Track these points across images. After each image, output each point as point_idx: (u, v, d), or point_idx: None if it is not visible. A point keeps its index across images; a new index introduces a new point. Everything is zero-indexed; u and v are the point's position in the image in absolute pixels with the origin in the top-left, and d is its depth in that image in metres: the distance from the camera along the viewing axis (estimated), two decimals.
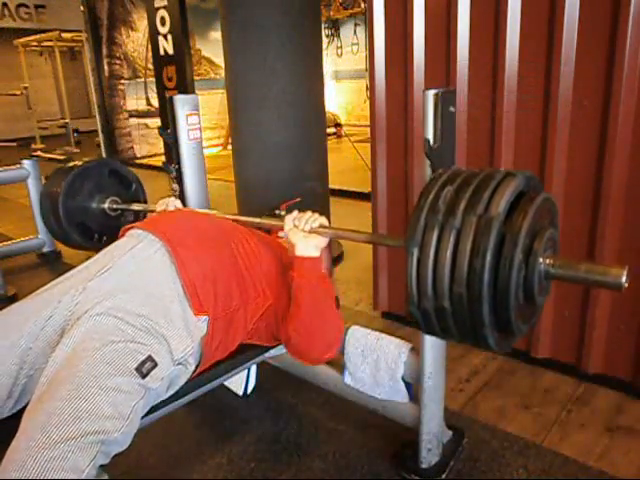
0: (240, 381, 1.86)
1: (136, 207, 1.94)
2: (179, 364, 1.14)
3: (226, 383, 1.89)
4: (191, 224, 1.39)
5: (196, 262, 1.23)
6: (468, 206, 0.82)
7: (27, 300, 1.19)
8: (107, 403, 0.94)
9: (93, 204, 1.92)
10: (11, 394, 1.09)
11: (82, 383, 0.94)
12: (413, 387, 1.51)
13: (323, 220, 1.28)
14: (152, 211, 1.75)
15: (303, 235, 1.26)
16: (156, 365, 1.06)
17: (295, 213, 1.31)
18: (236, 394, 1.88)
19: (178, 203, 1.67)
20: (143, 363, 1.03)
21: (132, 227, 1.35)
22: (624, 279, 0.79)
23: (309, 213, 1.29)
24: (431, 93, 1.18)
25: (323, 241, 1.28)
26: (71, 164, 1.95)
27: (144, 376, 1.03)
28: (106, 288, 1.14)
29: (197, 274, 1.21)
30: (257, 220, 1.47)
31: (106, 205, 1.94)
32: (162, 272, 1.20)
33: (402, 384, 1.50)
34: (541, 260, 0.84)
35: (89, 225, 1.92)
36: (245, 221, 1.48)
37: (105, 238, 1.93)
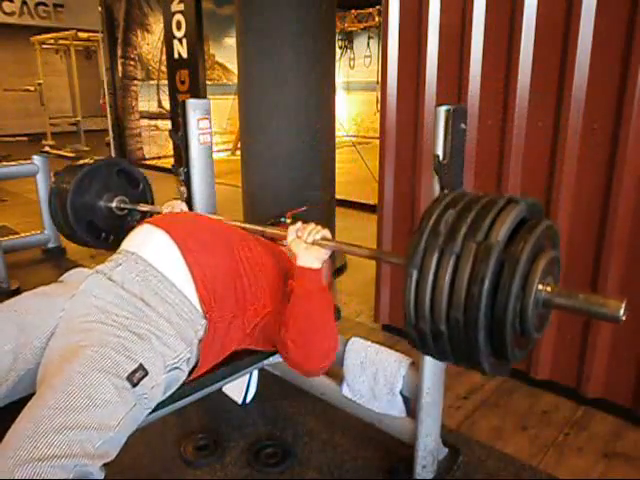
0: (240, 389, 1.86)
1: (143, 207, 1.95)
2: (172, 370, 1.13)
3: (226, 391, 1.89)
4: (195, 226, 1.39)
5: (199, 264, 1.23)
6: (469, 232, 0.82)
7: (40, 298, 1.19)
8: (94, 414, 0.94)
9: (101, 202, 1.93)
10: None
11: (71, 392, 0.94)
12: (411, 402, 1.50)
13: (326, 233, 1.28)
14: (158, 213, 1.75)
15: (305, 246, 1.27)
16: (147, 374, 1.05)
17: (299, 224, 1.31)
18: (235, 402, 1.88)
19: (184, 206, 1.68)
20: (134, 372, 1.03)
21: (143, 222, 1.37)
22: (622, 312, 0.78)
23: (312, 225, 1.30)
24: (443, 109, 1.19)
25: (324, 253, 1.28)
26: (81, 162, 1.96)
27: (134, 385, 1.02)
28: (108, 296, 1.14)
29: (200, 276, 1.21)
30: (260, 228, 1.48)
31: (114, 204, 1.94)
32: (173, 272, 1.20)
33: (400, 398, 1.50)
34: (541, 287, 0.83)
35: (96, 223, 1.92)
36: (249, 228, 1.48)
37: (112, 237, 1.94)
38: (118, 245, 1.92)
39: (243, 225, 1.50)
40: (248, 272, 1.31)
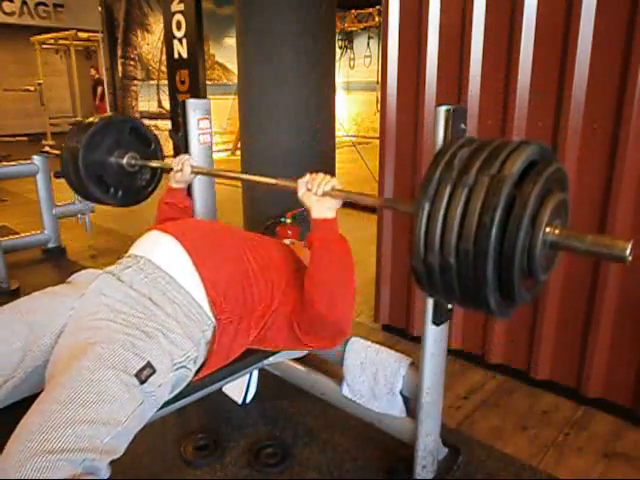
0: (240, 389, 1.86)
1: (153, 163, 1.92)
2: (179, 368, 1.14)
3: (226, 391, 1.89)
4: (201, 230, 1.41)
5: (207, 267, 1.24)
6: (482, 166, 0.84)
7: (50, 297, 1.20)
8: (103, 409, 0.95)
9: (112, 159, 1.90)
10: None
11: (80, 388, 0.95)
12: (411, 402, 1.50)
13: (335, 182, 1.28)
14: (170, 169, 1.72)
15: (316, 199, 1.27)
16: (155, 371, 1.06)
17: (307, 177, 1.31)
18: (235, 402, 1.88)
19: (192, 161, 1.69)
20: (142, 369, 1.04)
21: (151, 228, 1.39)
22: (628, 251, 0.80)
23: (321, 175, 1.29)
24: (443, 109, 1.19)
25: (336, 203, 1.29)
26: (91, 119, 1.93)
27: (142, 382, 1.03)
28: (117, 295, 1.16)
29: (209, 278, 1.23)
30: (273, 181, 1.44)
31: (124, 160, 1.92)
32: (181, 275, 1.22)
33: (400, 398, 1.50)
34: (548, 230, 0.84)
35: (106, 179, 1.90)
36: (260, 181, 1.47)
37: (120, 192, 1.93)
38: (127, 202, 1.95)
39: (253, 177, 1.48)
40: (256, 271, 1.32)
